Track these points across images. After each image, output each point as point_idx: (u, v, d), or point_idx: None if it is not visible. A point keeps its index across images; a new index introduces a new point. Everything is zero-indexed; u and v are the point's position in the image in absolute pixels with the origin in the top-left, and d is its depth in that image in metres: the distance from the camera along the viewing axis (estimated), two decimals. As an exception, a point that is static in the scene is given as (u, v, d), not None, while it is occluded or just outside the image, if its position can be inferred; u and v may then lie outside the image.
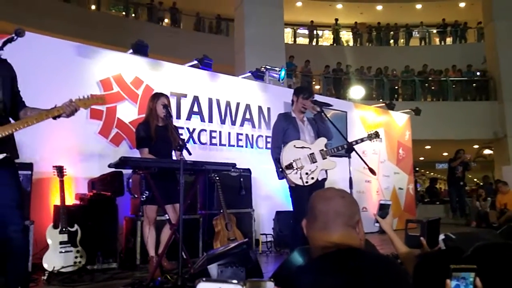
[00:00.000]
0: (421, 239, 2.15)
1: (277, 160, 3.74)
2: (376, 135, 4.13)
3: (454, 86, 14.03)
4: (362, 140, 3.99)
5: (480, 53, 14.39)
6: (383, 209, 2.05)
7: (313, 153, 3.72)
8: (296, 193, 3.60)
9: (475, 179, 18.03)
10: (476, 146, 14.83)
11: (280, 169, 3.69)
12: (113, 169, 3.54)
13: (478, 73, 14.47)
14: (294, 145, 3.71)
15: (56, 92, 4.30)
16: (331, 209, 1.32)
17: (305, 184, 3.53)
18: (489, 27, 13.47)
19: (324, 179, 3.79)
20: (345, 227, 1.31)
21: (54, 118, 2.47)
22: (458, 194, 9.95)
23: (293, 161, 3.63)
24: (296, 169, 3.61)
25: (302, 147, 3.72)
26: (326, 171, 3.79)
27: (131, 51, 5.16)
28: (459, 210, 9.94)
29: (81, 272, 3.57)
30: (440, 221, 2.48)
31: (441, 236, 2.54)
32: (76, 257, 3.61)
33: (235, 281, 0.78)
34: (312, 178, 3.63)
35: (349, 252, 1.28)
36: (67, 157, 4.32)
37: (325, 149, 3.77)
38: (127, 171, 4.08)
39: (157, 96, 3.61)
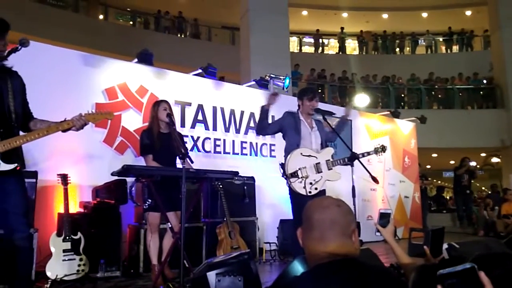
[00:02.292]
0: (424, 248, 2.13)
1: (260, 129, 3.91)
2: (383, 149, 4.07)
3: (460, 94, 13.96)
4: (368, 153, 3.98)
5: (486, 61, 14.32)
6: (383, 218, 2.04)
7: (319, 163, 3.67)
8: (297, 199, 3.55)
9: (483, 187, 17.86)
10: (483, 154, 14.72)
11: (285, 176, 3.66)
12: (117, 177, 3.57)
13: (484, 81, 14.38)
14: (301, 153, 3.66)
15: (62, 101, 4.36)
16: (328, 218, 1.31)
17: (308, 194, 3.49)
18: (496, 35, 13.42)
19: (324, 190, 3.73)
20: (341, 236, 1.30)
21: (64, 131, 2.51)
22: (465, 202, 9.84)
23: (299, 169, 3.58)
24: (301, 178, 3.56)
25: (309, 156, 3.67)
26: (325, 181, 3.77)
27: (136, 60, 5.20)
28: (466, 219, 9.82)
29: (84, 280, 3.58)
30: (444, 230, 2.46)
31: (445, 245, 2.52)
32: (79, 265, 3.61)
33: None
34: (316, 189, 3.59)
35: (346, 262, 1.27)
36: (72, 165, 4.35)
37: (331, 159, 3.73)
38: (131, 179, 4.11)
39: (158, 103, 3.64)
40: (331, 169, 3.71)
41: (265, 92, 6.57)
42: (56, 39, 9.77)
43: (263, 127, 3.86)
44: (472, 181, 9.86)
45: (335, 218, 1.31)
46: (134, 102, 5.03)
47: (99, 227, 3.95)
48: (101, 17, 15.56)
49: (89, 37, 12.23)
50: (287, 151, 3.75)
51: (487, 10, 14.26)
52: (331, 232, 1.30)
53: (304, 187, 3.53)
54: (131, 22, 16.12)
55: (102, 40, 12.41)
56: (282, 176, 3.69)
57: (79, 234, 3.72)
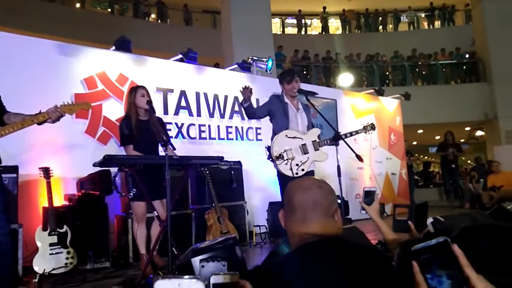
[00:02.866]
0: (409, 223, 2.14)
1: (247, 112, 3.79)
2: (372, 127, 4.03)
3: (443, 69, 14.05)
4: (357, 132, 3.94)
5: (468, 35, 14.40)
6: (368, 196, 2.04)
7: (305, 144, 3.66)
8: (285, 181, 3.52)
9: (468, 161, 18.17)
10: (467, 128, 14.91)
11: (270, 159, 3.65)
12: (101, 168, 3.51)
13: (467, 56, 14.49)
14: (286, 135, 3.65)
15: (39, 93, 4.25)
16: (309, 200, 1.29)
17: (295, 175, 3.49)
18: (477, 8, 13.45)
19: (313, 171, 3.74)
20: (324, 217, 1.29)
21: (39, 123, 2.44)
22: (451, 177, 9.97)
23: (284, 151, 3.58)
24: (287, 159, 3.56)
25: (294, 137, 3.65)
26: (313, 162, 3.75)
27: (114, 47, 5.08)
28: (453, 192, 9.97)
29: (72, 273, 3.54)
30: (427, 205, 2.47)
31: (430, 219, 2.54)
32: (67, 258, 3.57)
33: (197, 276, 0.77)
34: (303, 170, 3.59)
35: (330, 241, 1.26)
36: (54, 158, 4.27)
37: (318, 140, 3.71)
38: (116, 169, 4.05)
39: (135, 89, 3.53)
40: (318, 149, 3.70)
41: (248, 75, 6.51)
42: (32, 29, 9.48)
43: (251, 114, 3.83)
44: (458, 155, 9.94)
45: (316, 199, 1.29)
46: (114, 91, 4.93)
47: (85, 219, 3.90)
48: (77, 5, 15.14)
49: (67, 26, 11.90)
50: (276, 134, 3.73)
51: (468, -16, 14.28)
52: (313, 213, 1.29)
53: (291, 169, 3.54)
54: (109, 10, 15.73)
55: (80, 29, 12.09)
56: (268, 159, 3.68)
57: (65, 227, 3.67)
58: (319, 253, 1.22)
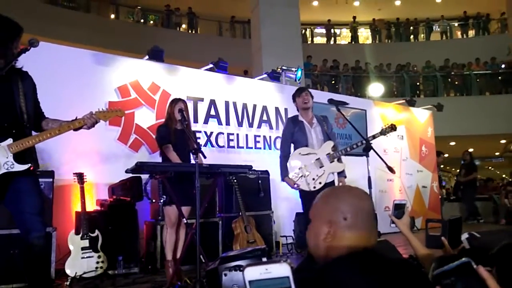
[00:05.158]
0: (442, 239, 2.07)
1: (282, 165, 3.83)
2: (392, 128, 3.94)
3: (478, 80, 13.64)
4: (374, 137, 3.93)
5: (504, 45, 13.97)
6: (398, 209, 1.99)
7: (319, 158, 3.77)
8: (306, 196, 3.65)
9: (503, 175, 17.49)
10: (503, 141, 14.38)
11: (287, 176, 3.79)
12: (132, 175, 3.59)
13: (503, 66, 14.03)
14: (300, 153, 3.79)
15: (75, 100, 4.39)
16: (366, 208, 1.28)
17: (313, 189, 3.61)
18: (513, 17, 13.08)
19: (332, 181, 3.82)
20: (374, 228, 1.29)
21: (75, 129, 2.52)
22: (464, 197, 9.38)
23: (299, 169, 3.72)
24: (302, 176, 3.69)
25: (308, 154, 3.78)
26: (333, 173, 3.83)
27: (147, 57, 5.21)
28: (470, 213, 9.27)
29: (102, 277, 3.62)
30: (461, 220, 2.39)
31: (465, 235, 2.45)
32: (97, 262, 3.66)
33: (282, 260, 0.77)
34: (320, 183, 3.69)
35: (366, 254, 1.24)
36: (87, 163, 4.40)
37: (331, 152, 3.79)
38: (147, 176, 4.13)
39: (175, 101, 3.65)
40: (333, 161, 3.79)
41: (277, 85, 6.51)
42: (69, 39, 9.88)
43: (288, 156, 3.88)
44: (462, 180, 9.44)
45: (370, 209, 1.29)
46: (146, 99, 5.04)
47: (116, 224, 3.98)
48: (112, 16, 15.66)
49: (101, 36, 12.33)
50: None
51: (504, -7, 13.89)
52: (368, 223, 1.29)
53: (308, 184, 3.66)
54: (142, 20, 16.19)
55: (114, 39, 12.50)
56: (281, 173, 3.82)
57: (97, 232, 3.76)
58: (355, 266, 1.20)
